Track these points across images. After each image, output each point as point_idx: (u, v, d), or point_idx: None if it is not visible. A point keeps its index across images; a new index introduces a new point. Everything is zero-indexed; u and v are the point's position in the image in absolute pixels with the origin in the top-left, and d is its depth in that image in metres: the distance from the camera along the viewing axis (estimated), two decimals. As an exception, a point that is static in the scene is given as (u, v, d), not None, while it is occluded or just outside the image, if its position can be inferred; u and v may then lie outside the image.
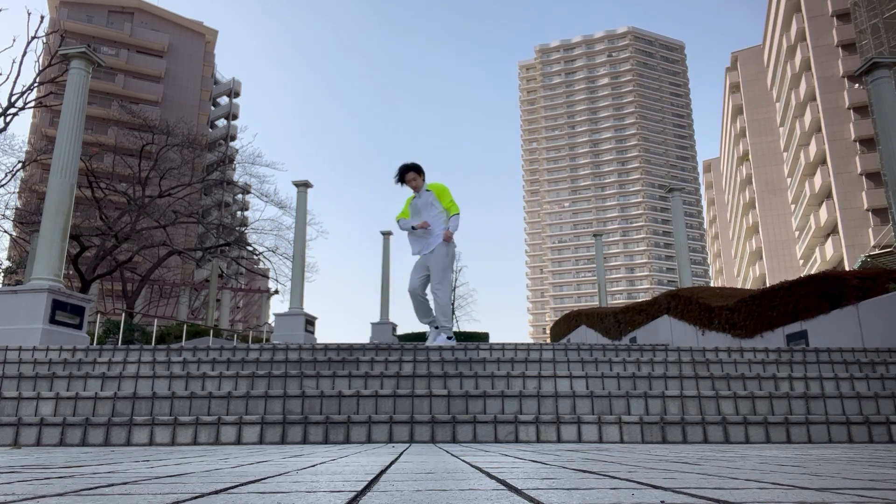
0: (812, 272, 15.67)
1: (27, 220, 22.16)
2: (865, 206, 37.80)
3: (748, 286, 59.40)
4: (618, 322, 15.88)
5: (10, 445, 3.98)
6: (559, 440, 4.08)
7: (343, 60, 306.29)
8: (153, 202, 24.19)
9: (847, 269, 25.53)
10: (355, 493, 1.15)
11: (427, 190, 7.09)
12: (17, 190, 24.67)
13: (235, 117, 56.84)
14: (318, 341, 12.77)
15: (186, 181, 25.71)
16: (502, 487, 1.23)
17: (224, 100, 58.75)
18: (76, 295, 8.53)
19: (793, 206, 51.01)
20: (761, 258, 58.52)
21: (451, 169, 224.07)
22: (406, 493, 1.14)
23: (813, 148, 42.60)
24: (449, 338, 6.91)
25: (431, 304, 7.19)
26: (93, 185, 22.73)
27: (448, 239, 6.85)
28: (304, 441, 4.10)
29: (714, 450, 3.06)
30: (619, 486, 1.22)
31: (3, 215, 23.13)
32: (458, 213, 6.99)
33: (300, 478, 1.49)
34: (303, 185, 15.37)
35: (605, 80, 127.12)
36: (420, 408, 4.54)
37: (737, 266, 73.09)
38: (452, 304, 8.46)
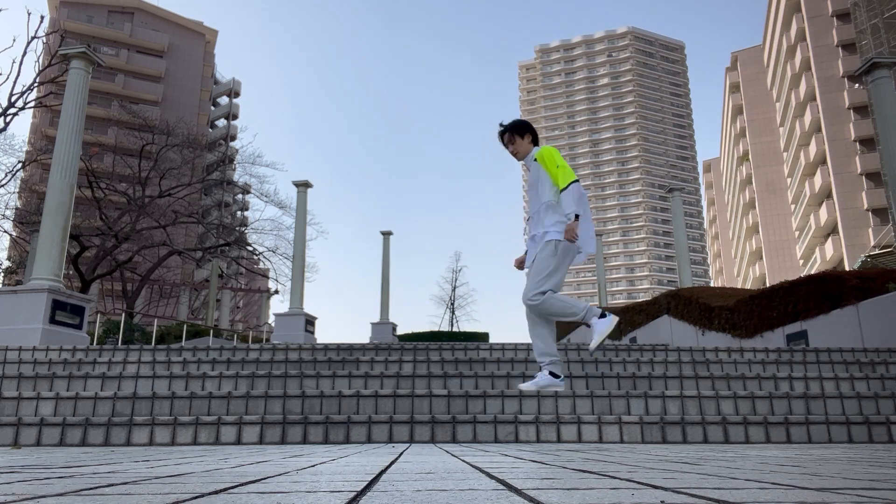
0: (812, 272, 15.68)
1: (27, 220, 22.16)
2: (865, 206, 37.82)
3: (748, 286, 59.39)
4: (618, 322, 15.88)
5: (10, 445, 3.98)
6: (559, 440, 4.08)
7: (343, 60, 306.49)
8: (153, 202, 24.20)
9: (847, 269, 25.54)
10: (355, 493, 1.15)
11: (535, 160, 4.66)
12: (17, 190, 24.69)
13: (235, 117, 56.86)
14: (318, 341, 12.77)
15: (186, 181, 25.72)
16: (502, 487, 1.23)
17: (224, 100, 58.76)
18: (76, 295, 8.53)
19: (793, 206, 51.03)
20: (761, 258, 58.53)
21: (450, 168, 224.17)
22: (406, 493, 1.14)
23: (813, 148, 42.61)
24: (555, 375, 4.42)
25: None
26: (93, 185, 22.74)
27: (570, 237, 4.31)
28: (304, 441, 4.11)
29: (714, 450, 3.06)
30: (619, 486, 1.22)
31: (3, 215, 23.15)
32: (573, 183, 4.36)
33: (300, 478, 1.49)
34: (303, 185, 15.38)
35: (605, 80, 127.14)
36: (420, 408, 4.54)
37: (737, 266, 73.08)
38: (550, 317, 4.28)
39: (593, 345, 4.31)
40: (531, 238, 4.59)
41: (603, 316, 4.34)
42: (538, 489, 1.19)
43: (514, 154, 4.78)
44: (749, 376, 5.08)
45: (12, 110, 19.75)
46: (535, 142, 4.79)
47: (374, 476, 1.52)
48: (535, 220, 4.57)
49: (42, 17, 19.88)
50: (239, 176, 33.16)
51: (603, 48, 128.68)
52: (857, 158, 38.80)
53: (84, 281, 20.92)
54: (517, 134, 4.75)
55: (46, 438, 4.08)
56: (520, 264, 4.75)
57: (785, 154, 52.46)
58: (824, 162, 41.37)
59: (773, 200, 56.75)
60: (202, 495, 1.12)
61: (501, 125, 4.85)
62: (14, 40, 20.21)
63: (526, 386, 4.51)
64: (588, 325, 4.39)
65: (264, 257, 26.87)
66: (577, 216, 4.34)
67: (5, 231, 23.86)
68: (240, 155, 30.17)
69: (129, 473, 1.63)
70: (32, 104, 20.56)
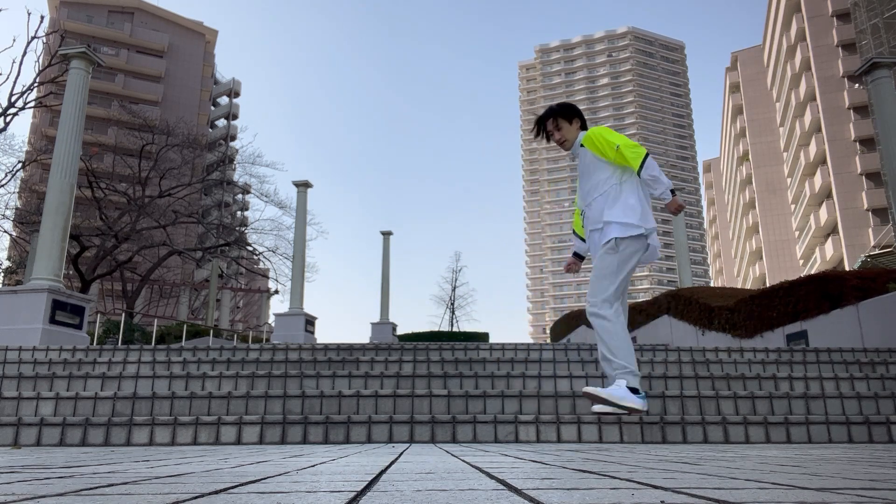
0: (812, 272, 15.69)
1: (27, 220, 22.17)
2: (865, 206, 37.83)
3: (748, 286, 59.38)
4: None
5: (10, 445, 3.98)
6: (559, 440, 4.08)
7: (343, 60, 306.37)
8: (153, 202, 24.20)
9: (847, 269, 25.54)
10: (355, 493, 1.15)
11: (581, 145, 3.99)
12: (17, 190, 24.70)
13: (235, 117, 56.87)
14: (318, 341, 12.77)
15: (186, 181, 25.73)
16: (502, 487, 1.23)
17: (224, 100, 58.77)
18: (76, 295, 8.53)
19: (793, 206, 51.04)
20: (761, 258, 58.54)
21: (451, 167, 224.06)
22: (406, 493, 1.14)
23: (813, 148, 42.62)
24: (634, 390, 3.69)
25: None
26: (93, 185, 22.75)
27: (676, 210, 3.72)
28: (304, 441, 4.11)
29: (714, 450, 3.06)
30: (619, 486, 1.22)
31: (3, 215, 23.15)
32: (646, 156, 3.73)
33: (300, 478, 1.49)
34: (303, 185, 15.38)
35: (605, 80, 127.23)
36: (420, 408, 4.54)
37: (737, 266, 73.09)
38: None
39: (596, 408, 3.60)
40: (591, 233, 3.96)
41: (636, 392, 3.57)
42: (538, 489, 1.19)
43: (561, 143, 4.07)
44: (749, 376, 5.09)
45: (12, 110, 19.76)
46: (584, 127, 4.10)
47: (374, 476, 1.52)
48: (592, 213, 3.90)
49: (42, 17, 19.88)
50: (239, 176, 33.18)
51: (603, 48, 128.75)
52: (857, 158, 38.81)
53: (84, 281, 20.92)
54: (565, 119, 4.03)
55: (46, 438, 4.08)
56: (570, 267, 4.14)
57: (785, 154, 52.47)
58: (824, 162, 41.37)
59: (773, 200, 56.75)
60: (202, 495, 1.12)
61: (537, 115, 4.20)
62: (14, 40, 20.22)
63: (594, 390, 3.70)
64: (612, 383, 3.72)
65: (264, 257, 26.89)
66: (672, 191, 3.69)
67: (5, 231, 23.88)
68: (240, 155, 30.17)
69: (129, 473, 1.64)
70: (32, 104, 20.56)
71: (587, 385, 4.11)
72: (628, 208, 3.79)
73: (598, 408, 3.66)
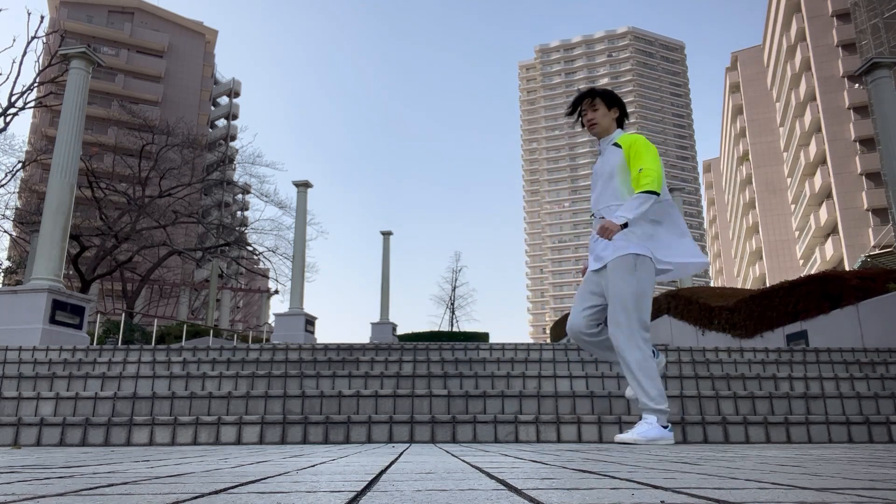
0: (812, 272, 15.69)
1: (27, 220, 22.17)
2: (865, 206, 37.83)
3: (748, 286, 59.37)
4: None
5: (10, 445, 3.98)
6: (559, 440, 4.08)
7: (343, 60, 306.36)
8: (153, 202, 24.20)
9: (847, 269, 25.55)
10: (355, 493, 1.15)
11: (615, 144, 3.72)
12: (17, 190, 24.70)
13: (235, 117, 56.87)
14: (318, 341, 12.77)
15: (186, 181, 25.73)
16: (502, 487, 1.23)
17: (224, 100, 58.78)
18: (76, 295, 8.54)
19: (793, 206, 51.05)
20: (761, 258, 58.55)
21: (451, 167, 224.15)
22: (406, 493, 1.14)
23: (813, 148, 42.64)
24: (666, 427, 3.34)
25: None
26: (93, 185, 22.75)
27: (604, 234, 3.42)
28: (304, 441, 4.11)
29: (714, 450, 3.06)
30: (619, 486, 1.22)
31: (3, 215, 23.16)
32: (649, 192, 3.40)
33: (300, 478, 1.49)
34: (303, 185, 15.39)
35: (605, 80, 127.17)
36: (420, 408, 4.54)
37: (737, 266, 73.10)
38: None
39: (624, 437, 3.32)
40: (596, 242, 3.66)
41: (666, 428, 3.29)
42: (538, 489, 1.19)
43: (591, 123, 3.80)
44: (749, 376, 5.09)
45: (12, 110, 19.77)
46: (621, 123, 3.87)
47: (374, 476, 1.52)
48: (606, 217, 3.59)
49: (42, 17, 19.89)
50: (239, 176, 33.20)
51: (603, 48, 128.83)
52: (857, 158, 38.82)
53: (84, 281, 20.92)
54: (604, 101, 3.81)
55: (46, 438, 4.08)
56: (585, 272, 3.82)
57: (785, 154, 52.49)
58: (824, 162, 41.38)
59: (773, 200, 56.76)
60: (202, 495, 1.12)
61: (579, 91, 3.94)
62: (14, 40, 20.23)
63: (628, 438, 3.34)
64: (641, 417, 3.41)
65: (264, 257, 26.89)
66: (625, 224, 3.39)
67: (5, 231, 23.88)
68: (240, 155, 30.18)
69: (129, 473, 1.64)
70: (32, 104, 20.56)
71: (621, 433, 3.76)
72: (647, 226, 3.54)
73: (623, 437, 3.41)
